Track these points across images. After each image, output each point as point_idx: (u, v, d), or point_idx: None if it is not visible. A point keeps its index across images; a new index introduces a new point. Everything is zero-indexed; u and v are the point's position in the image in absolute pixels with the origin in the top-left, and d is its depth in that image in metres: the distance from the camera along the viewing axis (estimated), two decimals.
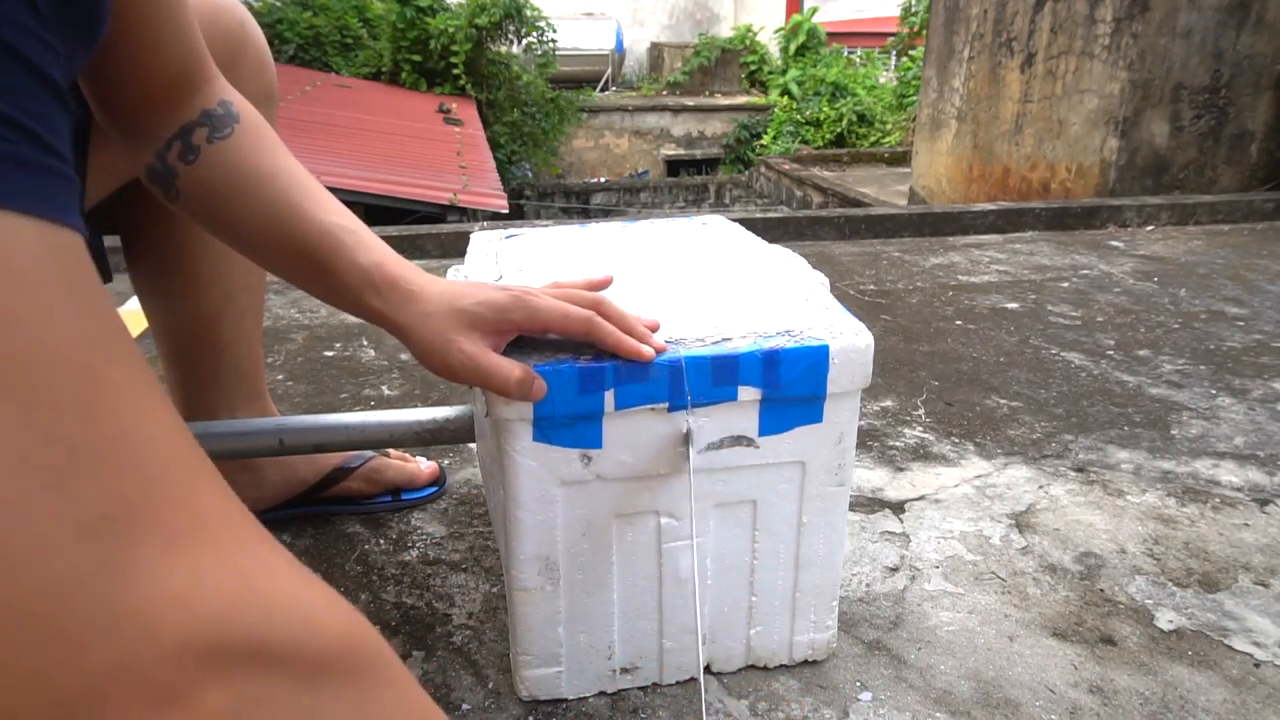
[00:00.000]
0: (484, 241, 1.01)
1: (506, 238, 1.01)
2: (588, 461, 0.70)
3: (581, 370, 0.67)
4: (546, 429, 0.68)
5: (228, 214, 0.67)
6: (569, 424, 0.69)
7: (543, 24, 10.09)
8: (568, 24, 12.37)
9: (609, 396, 0.68)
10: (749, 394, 0.71)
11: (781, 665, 0.84)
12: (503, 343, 0.67)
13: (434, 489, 1.14)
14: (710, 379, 0.69)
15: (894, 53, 13.79)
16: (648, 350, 0.67)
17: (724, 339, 0.71)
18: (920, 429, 1.39)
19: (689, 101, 13.92)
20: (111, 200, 0.89)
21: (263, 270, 1.00)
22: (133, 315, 1.97)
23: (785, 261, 0.91)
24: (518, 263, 0.92)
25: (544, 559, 0.73)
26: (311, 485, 1.08)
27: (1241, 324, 1.92)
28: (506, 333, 0.67)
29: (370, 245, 0.68)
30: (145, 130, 0.64)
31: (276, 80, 0.95)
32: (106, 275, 0.85)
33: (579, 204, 11.58)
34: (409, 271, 0.68)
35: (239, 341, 1.01)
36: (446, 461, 1.25)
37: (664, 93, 14.57)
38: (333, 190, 1.14)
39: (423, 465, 1.15)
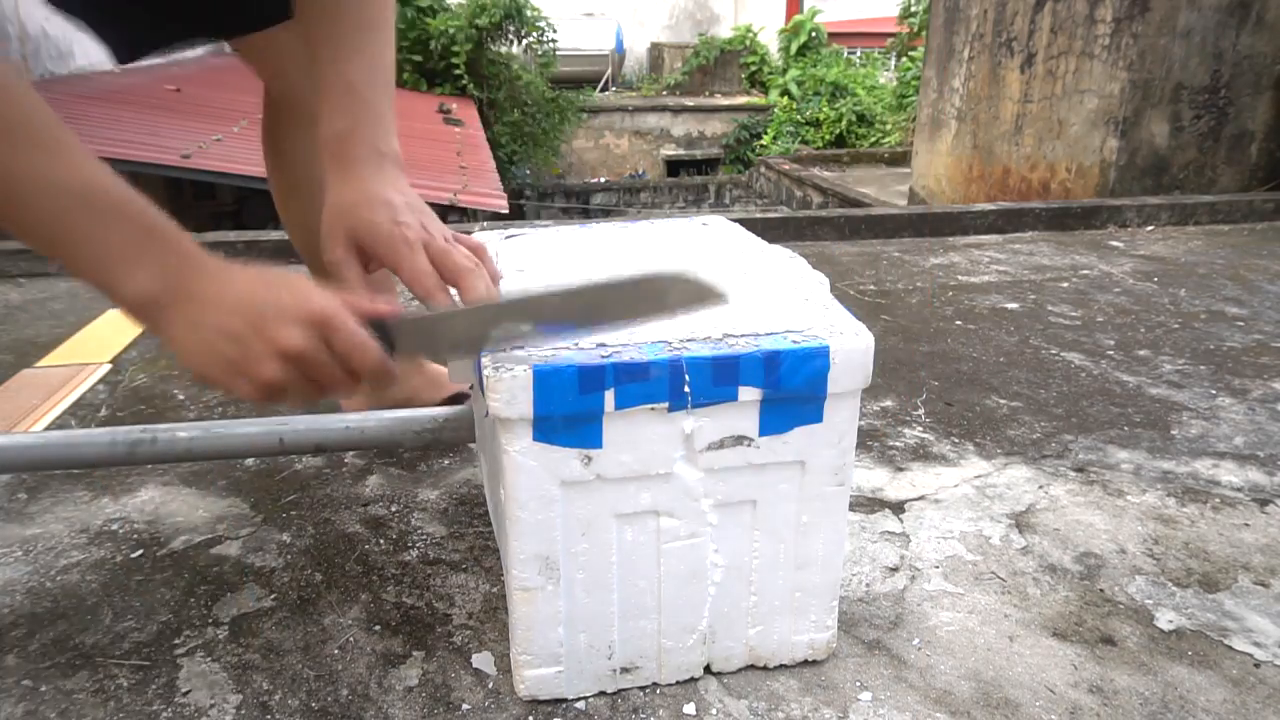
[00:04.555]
0: (484, 242, 1.01)
1: (507, 238, 1.02)
2: (588, 461, 0.70)
3: (581, 370, 0.67)
4: (546, 429, 0.68)
5: (310, 19, 0.80)
6: (569, 424, 0.69)
7: (543, 24, 10.09)
8: (568, 24, 12.37)
9: (609, 396, 0.68)
10: (749, 394, 0.71)
11: (781, 665, 0.84)
12: (370, 263, 0.75)
13: None
14: (710, 379, 0.69)
15: (894, 53, 13.79)
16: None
17: (725, 339, 0.71)
18: (920, 429, 1.39)
19: (689, 102, 13.92)
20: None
21: None
22: None
23: (785, 261, 0.91)
24: (518, 263, 0.92)
25: (544, 559, 0.73)
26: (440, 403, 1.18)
27: (1241, 324, 1.92)
28: (373, 259, 0.74)
29: (352, 112, 0.76)
30: None
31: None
32: None
33: (579, 204, 11.58)
34: (362, 155, 0.75)
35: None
36: (446, 462, 1.25)
37: (664, 93, 14.58)
38: None
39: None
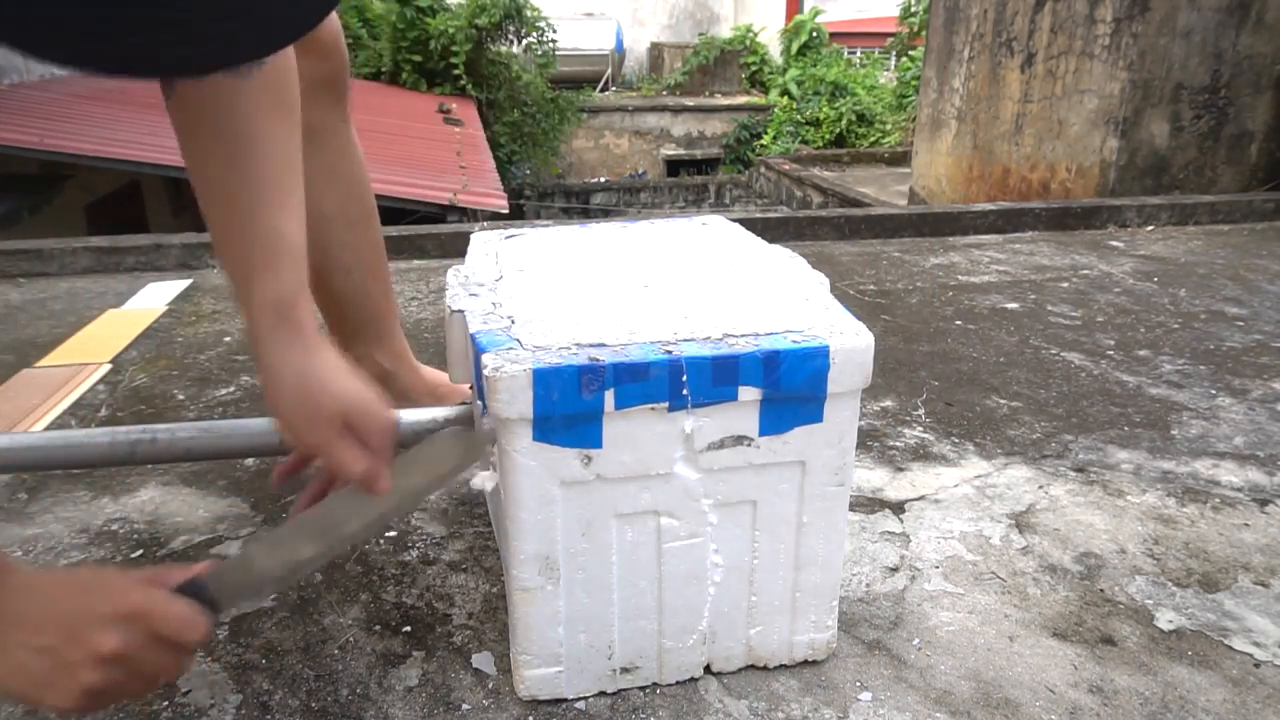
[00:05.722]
0: (484, 241, 1.01)
1: (506, 238, 1.02)
2: (587, 461, 0.70)
3: (582, 369, 0.67)
4: (546, 429, 0.68)
5: (199, 145, 0.68)
6: (569, 424, 0.69)
7: (543, 24, 10.09)
8: (568, 24, 12.37)
9: (609, 396, 0.68)
10: (749, 394, 0.71)
11: (781, 665, 0.84)
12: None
13: None
14: (711, 379, 0.69)
15: (894, 53, 13.79)
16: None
17: (725, 339, 0.71)
18: (920, 429, 1.39)
19: (689, 102, 13.92)
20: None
21: (371, 234, 1.16)
22: (136, 315, 1.97)
23: (785, 261, 0.91)
24: (518, 263, 0.92)
25: (544, 559, 0.73)
26: None
27: (1241, 324, 1.92)
28: (367, 440, 0.68)
29: (293, 270, 0.68)
30: None
31: (346, 70, 1.07)
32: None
33: (579, 204, 11.59)
34: (309, 320, 0.69)
35: (354, 292, 1.15)
36: None
37: (664, 93, 14.57)
38: None
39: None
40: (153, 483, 1.19)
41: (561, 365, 0.66)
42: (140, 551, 1.03)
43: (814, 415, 0.73)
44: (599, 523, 0.73)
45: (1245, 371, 1.64)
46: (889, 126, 12.29)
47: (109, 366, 1.63)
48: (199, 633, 0.62)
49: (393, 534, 1.07)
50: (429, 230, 2.62)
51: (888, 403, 1.48)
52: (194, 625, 0.62)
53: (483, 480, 0.77)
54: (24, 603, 0.60)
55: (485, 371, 0.67)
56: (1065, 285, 2.25)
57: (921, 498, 1.17)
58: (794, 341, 0.71)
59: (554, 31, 10.32)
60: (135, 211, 5.88)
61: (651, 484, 0.73)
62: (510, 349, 0.70)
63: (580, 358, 0.67)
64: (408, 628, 0.90)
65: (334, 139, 1.11)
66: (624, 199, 11.95)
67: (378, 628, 0.90)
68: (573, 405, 0.67)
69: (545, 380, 0.66)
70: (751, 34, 14.94)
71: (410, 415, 1.02)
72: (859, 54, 15.90)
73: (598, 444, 0.70)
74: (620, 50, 15.30)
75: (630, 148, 13.68)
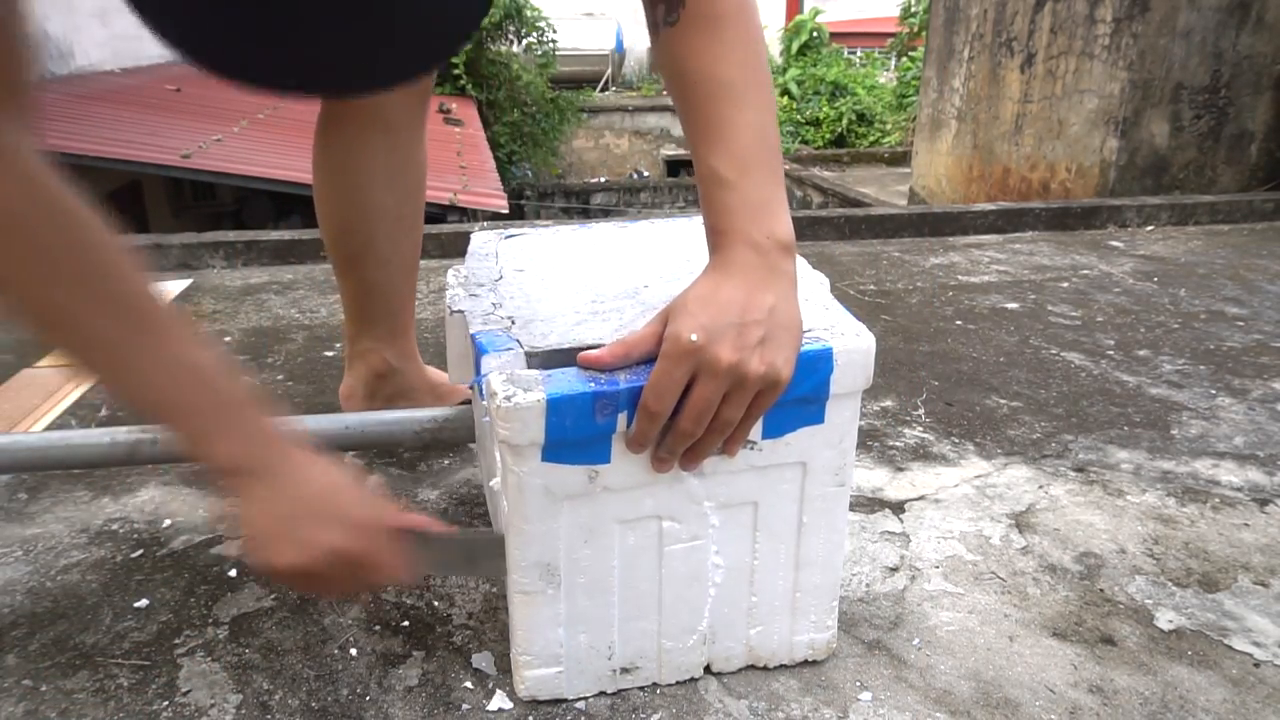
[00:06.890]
0: (484, 241, 1.01)
1: (506, 238, 1.01)
2: (594, 476, 0.70)
3: (595, 396, 0.66)
4: (556, 451, 0.68)
5: (672, 91, 0.74)
6: (579, 444, 0.68)
7: (543, 24, 10.10)
8: (568, 24, 12.37)
9: (621, 419, 0.67)
10: None
11: (781, 665, 0.84)
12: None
13: None
14: None
15: (894, 53, 13.80)
16: None
17: None
18: (920, 429, 1.39)
19: None
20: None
21: (415, 234, 1.20)
22: None
23: None
24: (518, 263, 0.92)
25: (545, 564, 0.73)
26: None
27: (1241, 324, 1.92)
28: None
29: (717, 202, 0.70)
30: None
31: None
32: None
33: (579, 204, 11.60)
34: (723, 246, 0.70)
35: (383, 285, 1.20)
36: (446, 461, 1.25)
37: (664, 93, 14.57)
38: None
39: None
40: (153, 483, 1.19)
41: (575, 393, 0.66)
42: (140, 551, 1.03)
43: (815, 417, 0.73)
44: (601, 528, 0.73)
45: (1245, 371, 1.64)
46: (889, 126, 12.30)
47: None
48: (395, 579, 0.70)
49: None
50: (429, 230, 2.62)
51: (888, 403, 1.49)
52: (398, 571, 0.69)
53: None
54: (293, 470, 0.67)
55: (495, 401, 0.66)
56: (1065, 285, 2.25)
57: (921, 497, 1.17)
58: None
59: (554, 31, 10.34)
60: (135, 211, 5.88)
61: (655, 489, 0.73)
62: (510, 350, 0.70)
63: (593, 384, 0.66)
64: (408, 628, 0.90)
65: (409, 137, 1.14)
66: (624, 199, 11.96)
67: (378, 628, 0.90)
68: (585, 430, 0.67)
69: (559, 409, 0.65)
70: None
71: (410, 414, 1.02)
72: (859, 54, 15.91)
73: (606, 460, 0.69)
74: (620, 50, 15.31)
75: (630, 148, 13.68)
